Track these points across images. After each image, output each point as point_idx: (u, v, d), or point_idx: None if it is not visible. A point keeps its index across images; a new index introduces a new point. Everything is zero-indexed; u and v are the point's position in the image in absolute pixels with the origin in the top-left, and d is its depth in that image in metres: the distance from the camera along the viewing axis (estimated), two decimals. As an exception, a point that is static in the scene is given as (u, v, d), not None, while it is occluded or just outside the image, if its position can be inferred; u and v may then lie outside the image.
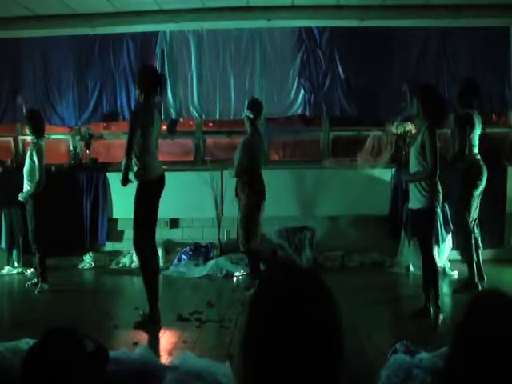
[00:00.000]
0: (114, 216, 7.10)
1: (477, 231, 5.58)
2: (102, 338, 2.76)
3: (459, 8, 6.63)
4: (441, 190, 4.50)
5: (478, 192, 5.42)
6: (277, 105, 7.14)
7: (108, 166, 7.15)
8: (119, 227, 7.19)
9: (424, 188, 4.46)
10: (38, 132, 5.89)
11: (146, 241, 4.63)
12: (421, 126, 4.59)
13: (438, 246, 5.89)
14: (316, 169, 7.10)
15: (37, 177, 5.78)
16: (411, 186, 4.63)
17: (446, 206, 5.93)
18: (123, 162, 4.52)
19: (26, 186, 5.84)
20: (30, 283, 5.97)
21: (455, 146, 5.41)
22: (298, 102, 7.22)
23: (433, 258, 4.59)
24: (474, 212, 5.47)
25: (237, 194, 5.67)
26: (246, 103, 5.82)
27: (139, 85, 4.65)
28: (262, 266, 5.70)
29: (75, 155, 7.35)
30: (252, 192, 5.50)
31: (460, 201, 5.49)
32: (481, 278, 5.45)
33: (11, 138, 7.58)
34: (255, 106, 5.62)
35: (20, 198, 5.88)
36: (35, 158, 5.77)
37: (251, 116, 5.53)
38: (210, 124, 7.92)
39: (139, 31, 7.23)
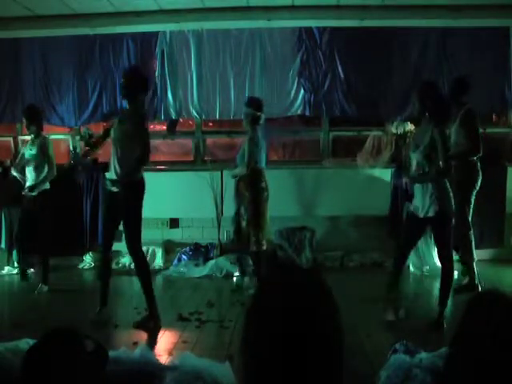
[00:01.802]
0: (114, 216, 7.08)
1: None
2: (102, 338, 2.76)
3: (459, 8, 6.63)
4: (451, 193, 4.34)
5: (476, 191, 5.40)
6: (277, 105, 7.13)
7: (108, 166, 7.12)
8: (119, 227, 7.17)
9: (432, 193, 4.27)
10: (41, 128, 5.89)
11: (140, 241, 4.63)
12: (425, 125, 4.43)
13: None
14: (316, 169, 7.10)
15: (48, 168, 5.76)
16: (419, 193, 4.39)
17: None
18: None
19: (34, 179, 5.78)
20: (37, 291, 5.73)
21: (462, 144, 5.35)
22: (298, 101, 7.21)
23: (453, 266, 4.47)
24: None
25: (237, 194, 5.56)
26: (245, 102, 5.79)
27: (129, 89, 4.55)
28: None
29: (75, 155, 7.33)
30: (257, 189, 5.45)
31: (460, 201, 5.41)
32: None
33: (11, 138, 7.58)
34: (253, 102, 5.56)
35: (26, 190, 5.74)
36: (50, 151, 5.74)
37: (249, 112, 5.48)
38: (210, 124, 7.91)
39: (139, 31, 7.22)
